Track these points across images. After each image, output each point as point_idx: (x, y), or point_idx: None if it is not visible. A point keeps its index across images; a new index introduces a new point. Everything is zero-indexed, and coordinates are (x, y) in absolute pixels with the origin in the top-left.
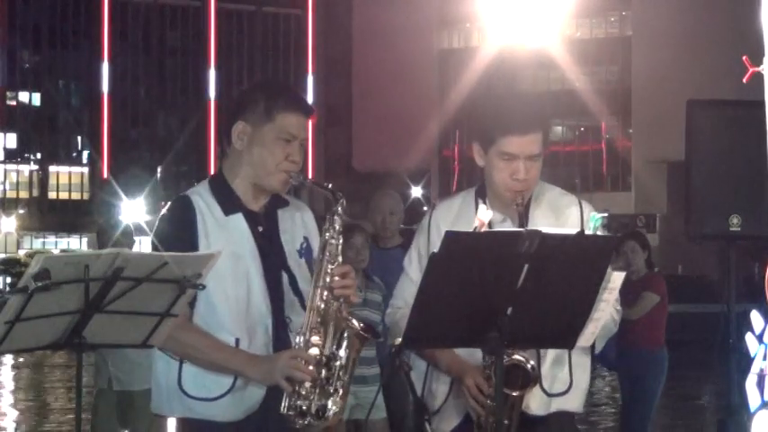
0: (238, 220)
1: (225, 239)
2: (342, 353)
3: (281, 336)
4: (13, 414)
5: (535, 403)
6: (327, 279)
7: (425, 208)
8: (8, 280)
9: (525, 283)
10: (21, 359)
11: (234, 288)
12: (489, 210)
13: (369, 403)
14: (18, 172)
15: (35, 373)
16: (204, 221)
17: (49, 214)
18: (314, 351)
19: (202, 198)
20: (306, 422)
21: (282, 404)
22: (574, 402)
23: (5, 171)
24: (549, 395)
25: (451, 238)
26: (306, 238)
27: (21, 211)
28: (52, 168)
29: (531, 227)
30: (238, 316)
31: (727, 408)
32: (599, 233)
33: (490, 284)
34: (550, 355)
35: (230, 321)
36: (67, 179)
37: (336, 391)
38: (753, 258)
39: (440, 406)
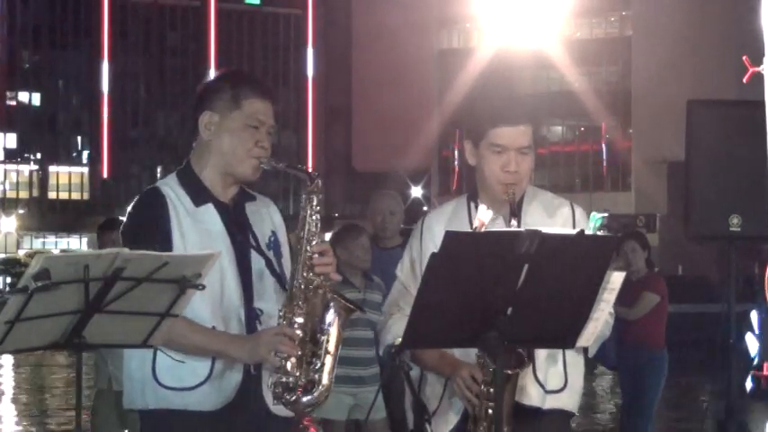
0: (209, 210)
1: (197, 230)
2: (328, 327)
3: (252, 326)
4: (14, 414)
5: (529, 394)
6: (307, 257)
7: (425, 208)
8: (8, 280)
9: (525, 283)
10: (21, 359)
11: (208, 278)
12: (489, 210)
13: (368, 403)
14: (18, 172)
15: (35, 373)
16: (176, 212)
17: (48, 214)
18: (298, 329)
19: (172, 189)
20: (293, 398)
21: (270, 380)
22: (569, 401)
23: (5, 171)
24: (545, 390)
25: (451, 238)
26: (273, 233)
27: (21, 211)
28: (52, 168)
29: (523, 223)
30: (213, 306)
31: (727, 408)
32: (599, 233)
33: (490, 284)
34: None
35: (206, 311)
36: (67, 179)
37: (324, 365)
38: (753, 258)
39: (435, 408)
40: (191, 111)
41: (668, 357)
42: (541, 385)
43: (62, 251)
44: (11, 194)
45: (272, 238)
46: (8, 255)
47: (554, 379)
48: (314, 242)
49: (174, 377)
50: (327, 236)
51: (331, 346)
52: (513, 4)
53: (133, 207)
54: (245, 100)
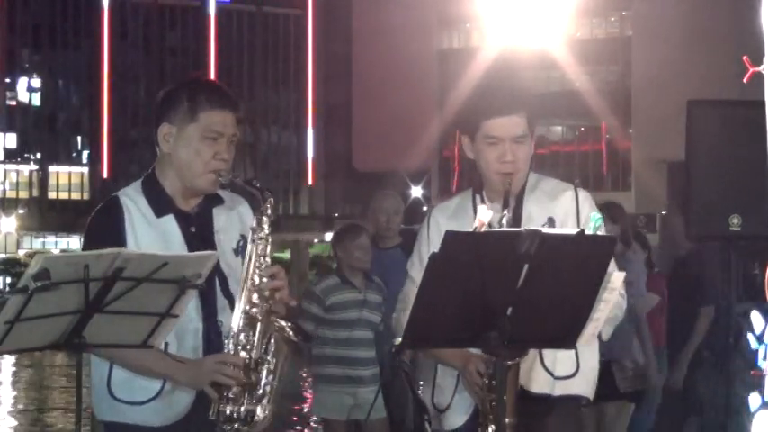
0: (169, 221)
1: (154, 241)
2: (270, 357)
3: (212, 340)
4: (13, 414)
5: (537, 382)
6: (256, 280)
7: (425, 208)
8: (8, 280)
9: (525, 283)
10: (21, 359)
11: None
12: (490, 210)
13: (368, 403)
14: (18, 172)
15: (35, 373)
16: (132, 223)
17: (48, 214)
18: (242, 355)
19: (132, 199)
20: (234, 428)
21: (211, 410)
22: (580, 386)
23: (5, 171)
24: (554, 377)
25: (451, 238)
26: (242, 236)
27: (21, 211)
28: (52, 168)
29: (524, 212)
30: None
31: (727, 408)
32: (599, 233)
33: (490, 284)
34: None
35: None
36: (67, 179)
37: (265, 395)
38: (753, 258)
39: (449, 401)
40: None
41: (668, 357)
42: (549, 372)
43: (62, 251)
44: (11, 194)
45: (241, 243)
46: (8, 255)
47: (564, 365)
48: (263, 265)
49: (125, 390)
50: (328, 236)
51: (272, 377)
52: (514, 5)
53: (92, 217)
54: (201, 112)
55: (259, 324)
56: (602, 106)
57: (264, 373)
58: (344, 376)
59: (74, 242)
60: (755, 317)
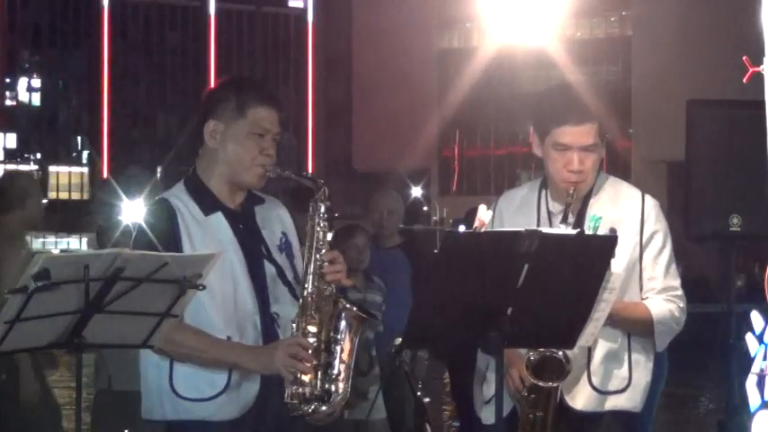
0: (218, 219)
1: (207, 240)
2: (341, 336)
3: (269, 331)
4: None
5: (582, 399)
6: (319, 265)
7: (425, 208)
8: None
9: (525, 283)
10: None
11: (220, 287)
12: (489, 210)
13: (369, 403)
14: None
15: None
16: (185, 223)
17: (48, 214)
18: (311, 339)
19: (180, 200)
20: (311, 409)
21: (286, 392)
22: (631, 401)
23: (5, 171)
24: (602, 392)
25: (451, 238)
26: (284, 234)
27: None
28: (52, 168)
29: (586, 217)
30: (227, 314)
31: (727, 408)
32: (599, 233)
33: (490, 284)
34: (600, 350)
35: (220, 320)
36: (67, 179)
37: (339, 374)
38: (753, 258)
39: (492, 395)
40: (192, 114)
41: (668, 357)
42: (596, 389)
43: (62, 251)
44: None
45: (284, 240)
46: None
47: (616, 379)
48: (323, 250)
49: (191, 388)
50: (328, 236)
51: (345, 355)
52: (514, 4)
53: (144, 220)
54: (249, 108)
55: (325, 307)
56: (601, 106)
57: (337, 352)
58: None
59: (74, 242)
60: (755, 317)
